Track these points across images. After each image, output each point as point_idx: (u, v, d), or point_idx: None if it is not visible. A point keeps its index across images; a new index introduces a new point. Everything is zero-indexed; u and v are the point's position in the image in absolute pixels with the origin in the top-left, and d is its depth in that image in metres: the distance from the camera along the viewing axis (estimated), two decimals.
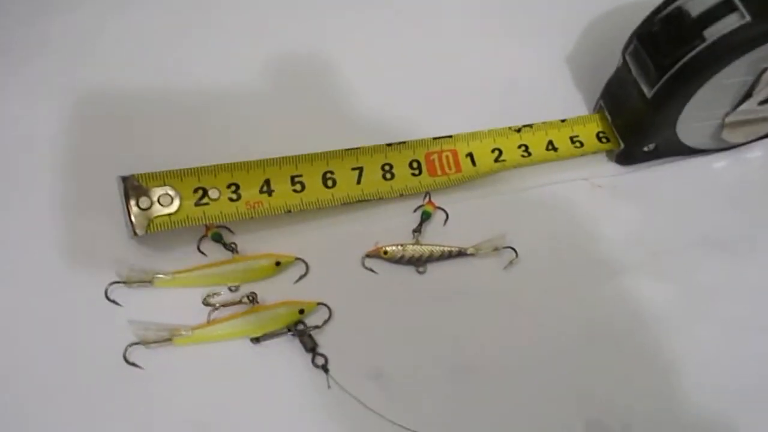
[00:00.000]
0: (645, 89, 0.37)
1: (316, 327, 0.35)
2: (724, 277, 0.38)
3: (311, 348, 0.35)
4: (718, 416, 0.34)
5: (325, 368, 0.35)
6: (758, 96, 0.37)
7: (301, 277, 0.37)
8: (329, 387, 0.34)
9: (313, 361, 0.35)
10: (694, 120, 0.38)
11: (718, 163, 0.41)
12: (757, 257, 0.38)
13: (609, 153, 0.42)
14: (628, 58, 0.38)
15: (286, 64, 0.42)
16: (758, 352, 0.36)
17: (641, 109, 0.38)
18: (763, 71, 0.35)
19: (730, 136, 0.40)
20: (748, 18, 0.33)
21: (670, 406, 0.34)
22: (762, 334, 0.36)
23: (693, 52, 0.35)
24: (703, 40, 0.34)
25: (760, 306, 0.37)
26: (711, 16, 0.34)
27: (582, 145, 0.41)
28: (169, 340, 0.34)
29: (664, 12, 0.36)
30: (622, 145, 0.40)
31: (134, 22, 0.44)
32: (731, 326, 0.36)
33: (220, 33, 0.44)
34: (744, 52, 0.34)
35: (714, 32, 0.34)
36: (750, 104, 0.37)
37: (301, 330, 0.35)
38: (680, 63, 0.35)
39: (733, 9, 0.34)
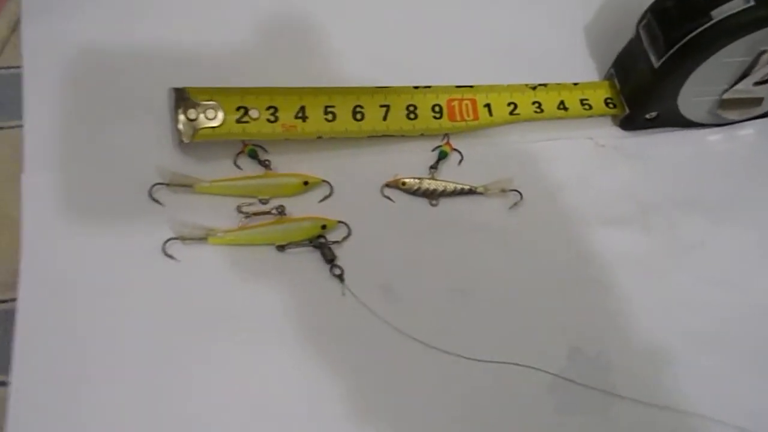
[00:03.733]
0: (653, 60, 0.41)
1: (336, 242, 0.39)
2: (702, 236, 0.42)
3: (330, 259, 0.39)
4: (678, 353, 0.38)
5: (341, 278, 0.39)
6: (754, 76, 0.40)
7: (325, 198, 0.41)
8: (343, 294, 0.38)
9: (331, 271, 0.39)
10: (694, 94, 0.42)
11: (713, 136, 0.45)
12: (735, 224, 0.42)
13: (614, 118, 0.45)
14: (641, 30, 0.42)
15: (329, 4, 0.46)
16: (720, 304, 0.40)
17: (648, 78, 0.42)
18: (761, 53, 0.39)
19: (726, 113, 0.44)
20: (751, 2, 0.37)
21: (640, 340, 0.39)
22: (726, 289, 0.40)
23: (700, 29, 0.38)
24: (710, 18, 0.38)
25: (731, 265, 0.41)
26: None
27: (590, 108, 0.45)
28: (204, 238, 0.38)
29: None
30: (627, 111, 0.44)
31: None
32: (701, 279, 0.40)
33: None
34: (745, 34, 0.38)
35: (720, 12, 0.38)
36: (746, 84, 0.41)
37: (322, 243, 0.39)
38: (687, 38, 0.39)
39: None
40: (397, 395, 0.37)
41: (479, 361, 0.37)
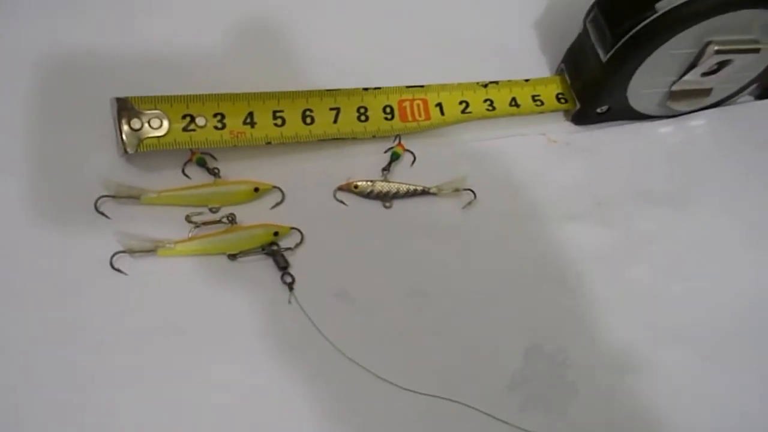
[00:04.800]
0: (601, 54, 0.41)
1: (289, 249, 0.39)
2: (658, 227, 0.42)
3: (283, 267, 0.38)
4: (638, 346, 0.39)
5: (290, 286, 0.38)
6: (701, 68, 0.41)
7: (277, 204, 0.40)
8: (290, 303, 0.38)
9: (282, 279, 0.38)
10: (643, 86, 0.42)
11: (664, 128, 0.45)
12: (690, 213, 0.42)
13: (566, 113, 0.45)
14: (588, 24, 0.42)
15: (276, 5, 0.45)
16: (681, 296, 0.40)
17: (597, 72, 0.42)
18: (706, 44, 0.39)
19: (675, 105, 0.44)
20: None
21: (600, 335, 0.39)
22: (686, 280, 0.40)
23: (645, 22, 0.38)
24: (655, 11, 0.38)
25: (688, 255, 0.41)
26: None
27: (542, 103, 0.45)
28: (153, 251, 0.37)
29: None
30: (578, 106, 0.44)
31: None
32: (661, 271, 0.41)
33: None
34: (690, 25, 0.38)
35: (665, 4, 0.38)
36: (694, 75, 0.41)
37: (274, 250, 0.38)
38: (633, 31, 0.39)
39: None
40: (331, 410, 0.36)
41: (416, 393, 0.36)
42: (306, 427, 0.36)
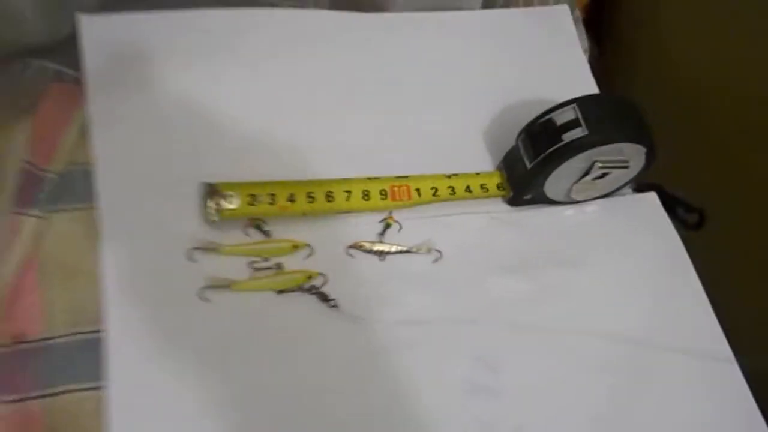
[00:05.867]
0: (527, 162, 0.60)
1: (316, 287, 0.57)
2: (561, 282, 0.61)
3: (325, 299, 0.56)
4: (550, 361, 0.58)
5: (336, 306, 0.56)
6: (591, 175, 0.60)
7: (308, 256, 0.58)
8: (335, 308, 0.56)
9: (328, 304, 0.56)
10: (555, 183, 0.61)
11: (569, 211, 0.64)
12: (585, 272, 0.61)
13: (503, 197, 0.64)
14: (519, 142, 0.62)
15: (310, 110, 0.64)
16: (580, 331, 0.59)
17: (524, 173, 0.61)
18: (594, 162, 0.59)
19: (576, 195, 0.64)
20: (586, 132, 0.58)
21: (525, 353, 0.58)
22: (583, 319, 0.59)
23: (555, 146, 0.58)
24: (561, 140, 0.58)
25: (583, 303, 0.60)
26: (566, 126, 0.58)
27: (487, 191, 0.63)
28: (228, 286, 0.55)
29: (542, 119, 0.59)
30: (512, 194, 0.63)
31: None
32: (566, 313, 0.59)
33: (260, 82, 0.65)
34: (582, 150, 0.58)
35: (568, 136, 0.57)
36: (587, 179, 0.61)
37: (308, 288, 0.57)
38: (548, 151, 0.58)
39: (579, 125, 0.58)
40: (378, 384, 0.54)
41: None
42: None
